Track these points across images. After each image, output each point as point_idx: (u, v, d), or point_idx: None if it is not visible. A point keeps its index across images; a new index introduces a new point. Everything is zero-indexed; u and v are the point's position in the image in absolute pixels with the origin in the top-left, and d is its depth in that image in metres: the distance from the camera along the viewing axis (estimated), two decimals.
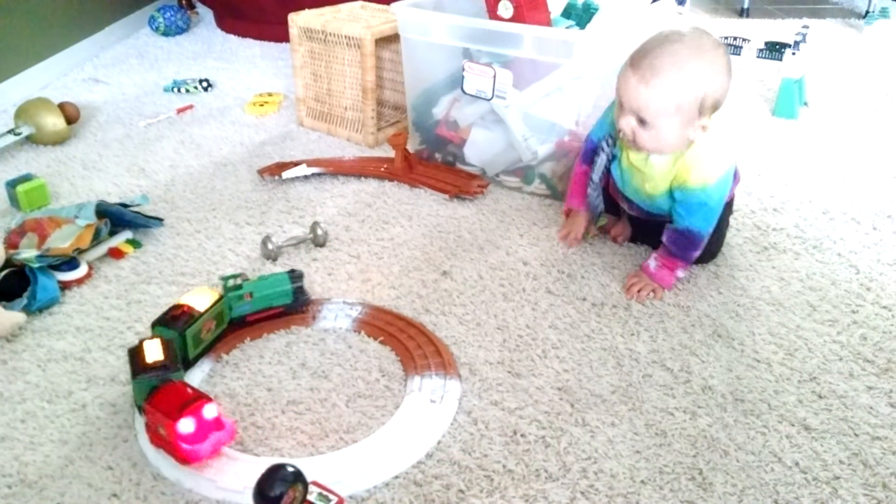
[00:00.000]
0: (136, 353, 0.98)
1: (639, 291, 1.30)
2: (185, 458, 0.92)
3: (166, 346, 0.99)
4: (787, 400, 1.06)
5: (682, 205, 1.27)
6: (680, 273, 1.32)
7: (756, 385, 1.09)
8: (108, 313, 1.26)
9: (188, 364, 1.10)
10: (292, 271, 1.24)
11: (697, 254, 1.31)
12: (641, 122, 1.21)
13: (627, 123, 1.23)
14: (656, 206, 1.34)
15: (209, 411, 0.92)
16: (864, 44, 2.84)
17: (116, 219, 1.44)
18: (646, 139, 1.23)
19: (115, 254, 1.41)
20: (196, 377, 1.10)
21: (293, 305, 1.23)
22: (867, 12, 3.13)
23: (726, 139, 1.30)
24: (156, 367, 0.96)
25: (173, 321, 1.07)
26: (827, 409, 1.04)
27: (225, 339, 1.17)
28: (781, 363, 1.13)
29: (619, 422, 1.02)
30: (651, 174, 1.28)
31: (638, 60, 1.19)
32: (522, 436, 1.00)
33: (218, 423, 0.94)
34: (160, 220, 1.52)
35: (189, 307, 1.10)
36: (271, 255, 1.41)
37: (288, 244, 1.44)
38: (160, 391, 0.94)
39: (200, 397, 0.93)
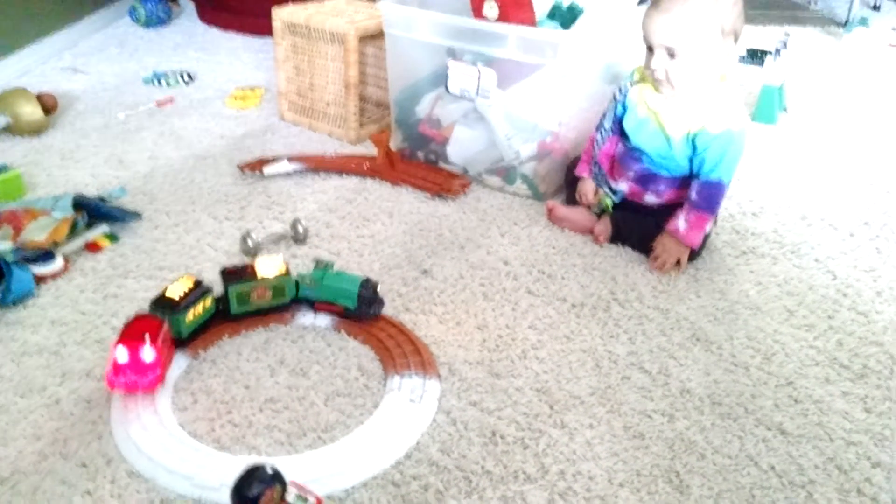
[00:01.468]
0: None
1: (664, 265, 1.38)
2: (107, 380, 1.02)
3: (188, 292, 1.12)
4: (763, 404, 1.07)
5: (706, 154, 1.35)
6: (707, 228, 1.38)
7: (733, 389, 1.10)
8: (84, 307, 1.24)
9: (230, 317, 1.18)
10: (367, 280, 1.19)
11: (720, 206, 1.40)
12: (671, 55, 1.30)
13: (659, 62, 1.32)
14: (668, 156, 1.40)
15: (146, 354, 1.00)
16: (843, 51, 2.87)
17: (94, 212, 1.42)
18: (678, 72, 1.32)
19: (92, 247, 1.39)
20: (172, 373, 1.09)
21: (354, 311, 1.18)
22: (847, 21, 3.16)
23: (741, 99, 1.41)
24: (160, 302, 1.10)
25: (228, 274, 1.16)
26: (803, 413, 1.05)
27: (203, 335, 1.16)
28: (759, 367, 1.14)
29: (597, 424, 1.03)
30: (670, 116, 1.37)
31: (655, 3, 1.31)
32: (501, 437, 1.00)
33: (149, 369, 1.01)
34: (138, 214, 1.50)
35: (251, 268, 1.17)
36: (251, 251, 1.40)
37: (268, 240, 1.43)
38: (142, 320, 1.05)
39: (152, 340, 1.01)
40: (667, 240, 1.38)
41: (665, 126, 1.38)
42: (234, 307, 1.18)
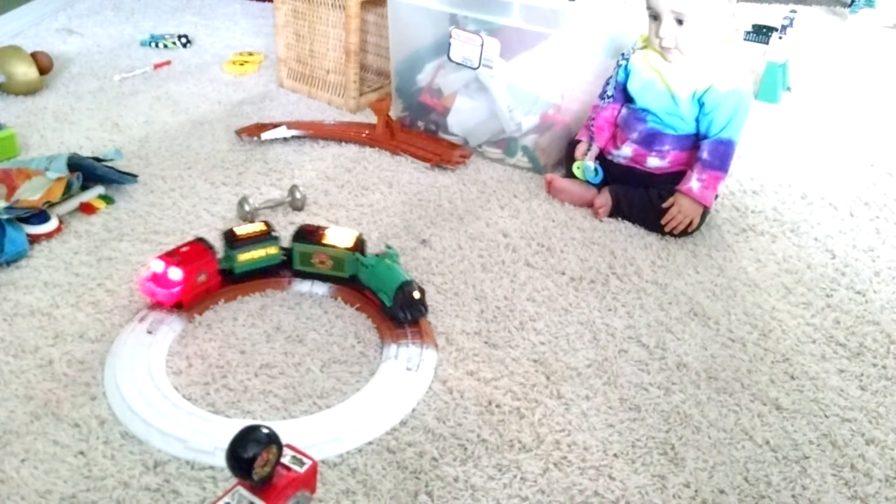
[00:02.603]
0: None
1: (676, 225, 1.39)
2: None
3: (253, 234, 1.17)
4: (759, 379, 1.07)
5: (715, 113, 1.37)
6: (719, 186, 1.41)
7: (730, 364, 1.09)
8: (78, 269, 1.23)
9: (296, 272, 1.20)
10: (408, 283, 1.11)
11: (731, 165, 1.41)
12: (680, 22, 1.33)
13: (668, 30, 1.34)
14: (674, 113, 1.41)
15: (174, 274, 1.09)
16: (848, 32, 2.85)
17: (89, 173, 1.40)
18: (688, 38, 1.34)
19: (87, 209, 1.38)
20: (168, 337, 1.08)
21: (388, 309, 1.12)
22: (852, 1, 3.14)
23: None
24: (226, 234, 1.17)
25: (300, 231, 1.19)
26: (798, 389, 1.05)
27: (198, 300, 1.15)
28: (755, 343, 1.14)
29: (593, 395, 1.02)
30: (675, 76, 1.39)
31: None
32: (497, 406, 0.99)
33: (172, 285, 1.10)
34: (134, 175, 1.48)
35: (322, 233, 1.18)
36: (248, 217, 1.38)
37: (265, 206, 1.42)
38: (195, 244, 1.13)
39: (192, 264, 1.10)
40: (682, 199, 1.38)
41: (671, 84, 1.40)
42: (296, 263, 1.19)
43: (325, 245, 1.17)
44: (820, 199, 1.58)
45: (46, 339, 1.07)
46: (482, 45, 1.56)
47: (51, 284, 1.18)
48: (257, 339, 1.10)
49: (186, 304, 1.12)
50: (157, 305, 1.12)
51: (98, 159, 1.44)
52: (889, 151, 1.84)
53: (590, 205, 1.48)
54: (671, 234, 1.39)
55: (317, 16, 1.88)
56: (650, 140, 1.44)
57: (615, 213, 1.45)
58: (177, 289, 1.10)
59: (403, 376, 1.02)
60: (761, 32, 2.18)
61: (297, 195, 1.43)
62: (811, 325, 1.19)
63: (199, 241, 1.15)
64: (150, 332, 1.07)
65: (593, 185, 1.49)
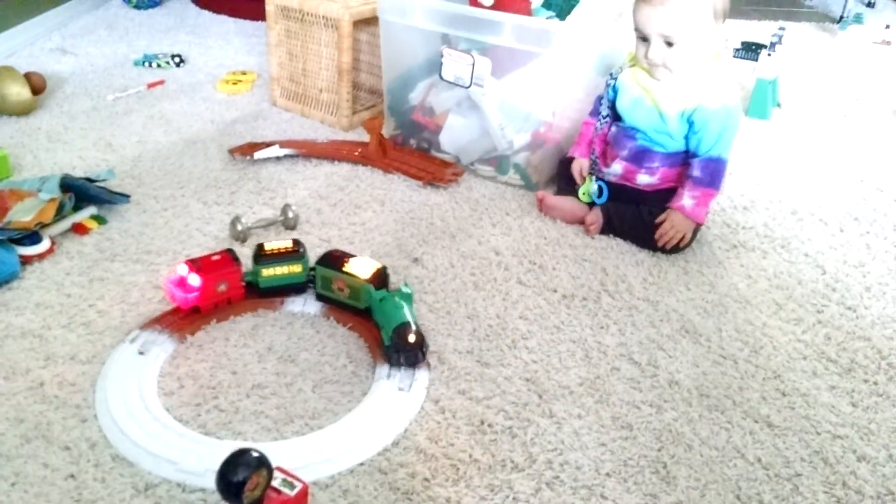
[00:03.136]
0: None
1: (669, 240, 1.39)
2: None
3: (281, 251, 1.19)
4: (751, 396, 1.07)
5: (704, 131, 1.38)
6: (711, 203, 1.42)
7: (721, 381, 1.10)
8: (70, 290, 1.23)
9: (318, 295, 1.21)
10: (405, 325, 1.06)
11: (723, 181, 1.43)
12: (669, 44, 1.34)
13: (657, 52, 1.35)
14: (663, 131, 1.42)
15: (192, 280, 1.14)
16: (837, 48, 2.87)
17: (81, 193, 1.40)
18: (676, 58, 1.36)
19: (79, 229, 1.38)
20: (159, 358, 1.08)
21: (387, 348, 1.08)
22: (842, 17, 3.17)
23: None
24: (256, 248, 1.20)
25: (325, 256, 1.19)
26: (790, 406, 1.05)
27: (190, 320, 1.15)
28: (747, 360, 1.14)
29: (585, 414, 1.02)
30: (664, 94, 1.40)
31: None
32: (489, 426, 0.99)
33: (189, 291, 1.14)
34: (126, 196, 1.49)
35: (346, 260, 1.17)
36: (240, 237, 1.38)
37: (257, 226, 1.42)
38: (224, 255, 1.17)
39: (213, 273, 1.15)
40: (674, 216, 1.39)
41: (659, 102, 1.41)
42: (318, 286, 1.20)
43: (344, 273, 1.16)
44: (810, 215, 1.59)
45: (37, 361, 1.07)
46: (473, 64, 1.57)
47: (42, 306, 1.18)
48: (249, 359, 1.10)
49: (204, 310, 1.16)
50: (177, 309, 1.16)
51: (90, 179, 1.44)
52: (878, 167, 1.85)
53: (581, 222, 1.49)
54: (663, 249, 1.40)
55: (309, 35, 1.89)
56: (640, 157, 1.45)
57: (606, 230, 1.46)
58: (194, 294, 1.14)
59: (395, 396, 1.02)
60: (750, 49, 2.20)
61: (290, 214, 1.43)
62: (802, 342, 1.19)
63: (227, 252, 1.19)
64: (141, 353, 1.07)
65: (597, 204, 1.49)
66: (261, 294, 1.20)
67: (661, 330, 1.20)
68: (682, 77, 1.38)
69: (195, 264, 1.14)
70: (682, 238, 1.39)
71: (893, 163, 1.89)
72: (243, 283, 1.19)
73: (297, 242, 1.21)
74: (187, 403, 1.01)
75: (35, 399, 1.00)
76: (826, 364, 1.14)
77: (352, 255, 1.20)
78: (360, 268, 1.17)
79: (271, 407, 1.01)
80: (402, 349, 1.06)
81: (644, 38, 1.38)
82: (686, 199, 1.39)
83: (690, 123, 1.39)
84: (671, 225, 1.39)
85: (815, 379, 1.11)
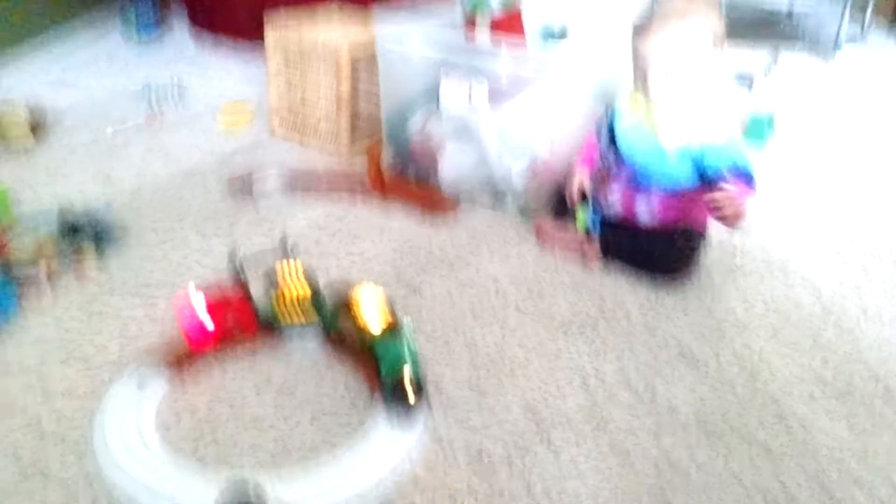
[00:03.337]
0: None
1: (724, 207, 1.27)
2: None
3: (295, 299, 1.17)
4: (748, 422, 1.07)
5: (719, 160, 1.32)
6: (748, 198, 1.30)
7: (719, 407, 1.10)
8: (68, 325, 1.23)
9: (327, 335, 1.19)
10: (399, 376, 1.04)
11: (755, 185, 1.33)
12: (668, 74, 1.31)
13: (656, 82, 1.33)
14: (661, 162, 1.38)
15: (203, 314, 1.14)
16: (831, 75, 2.89)
17: (79, 228, 1.41)
18: (676, 88, 1.33)
19: (77, 264, 1.38)
20: (157, 392, 1.08)
21: (383, 392, 1.06)
22: (834, 45, 3.19)
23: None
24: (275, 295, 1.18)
25: (338, 299, 1.17)
26: (787, 431, 1.05)
27: (188, 353, 1.15)
28: (744, 385, 1.14)
29: (583, 442, 1.02)
30: (663, 122, 1.37)
31: (647, 24, 1.32)
32: (487, 455, 0.99)
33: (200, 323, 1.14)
34: (124, 229, 1.49)
35: (356, 302, 1.15)
36: (238, 269, 1.39)
37: (256, 257, 1.43)
38: (239, 290, 1.20)
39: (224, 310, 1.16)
40: (728, 188, 1.28)
41: (658, 131, 1.38)
42: (331, 324, 1.18)
43: (354, 318, 1.14)
44: (807, 239, 1.59)
45: (35, 398, 1.07)
46: (471, 93, 1.58)
47: (40, 341, 1.19)
48: (247, 392, 1.10)
49: (214, 344, 1.15)
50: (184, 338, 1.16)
51: (88, 215, 1.45)
52: (874, 190, 1.86)
53: (579, 250, 1.49)
54: (663, 272, 1.39)
55: (308, 65, 1.91)
56: (637, 183, 1.45)
57: (605, 253, 1.46)
58: (205, 333, 1.14)
59: (393, 427, 1.02)
60: (744, 78, 2.22)
61: (288, 245, 1.44)
62: (799, 366, 1.19)
63: (242, 288, 1.20)
64: (139, 387, 1.08)
65: (594, 232, 1.49)
66: (273, 332, 1.19)
67: (659, 356, 1.20)
68: (682, 106, 1.36)
69: (211, 296, 1.15)
70: (735, 213, 1.27)
71: (888, 187, 1.89)
72: (256, 325, 1.18)
73: (315, 288, 1.19)
74: (185, 437, 1.01)
75: (33, 435, 1.00)
76: (823, 388, 1.14)
77: (355, 284, 1.19)
78: (371, 317, 1.13)
79: (269, 440, 1.01)
80: (398, 396, 1.03)
81: (643, 70, 1.35)
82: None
83: (701, 159, 1.34)
84: (726, 194, 1.27)
85: (812, 403, 1.11)
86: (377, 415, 1.04)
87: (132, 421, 1.01)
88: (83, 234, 1.43)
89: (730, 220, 1.29)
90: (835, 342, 1.25)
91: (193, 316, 1.14)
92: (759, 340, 1.25)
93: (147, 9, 2.97)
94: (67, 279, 1.35)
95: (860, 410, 1.10)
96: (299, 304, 1.18)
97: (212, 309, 1.14)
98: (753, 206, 1.31)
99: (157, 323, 1.24)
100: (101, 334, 1.21)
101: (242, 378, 1.13)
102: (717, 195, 1.27)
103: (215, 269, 1.40)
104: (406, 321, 1.15)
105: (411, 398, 1.03)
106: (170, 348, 1.16)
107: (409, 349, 1.09)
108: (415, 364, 1.06)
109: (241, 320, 1.17)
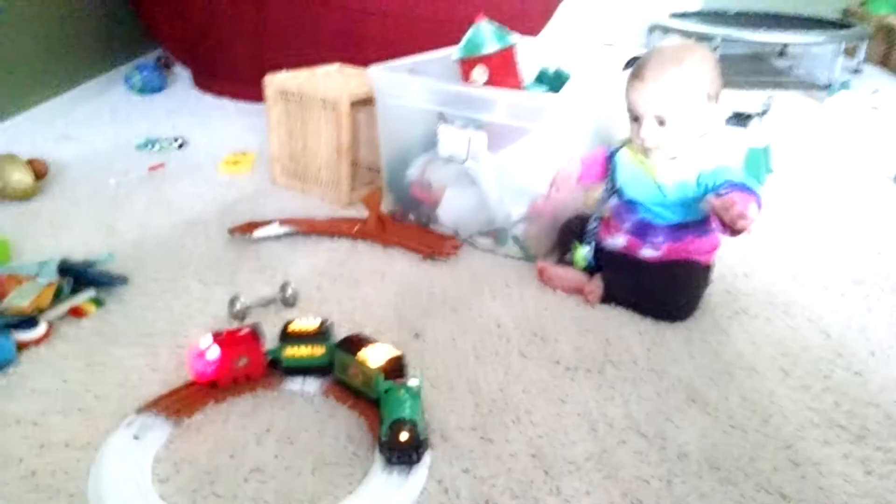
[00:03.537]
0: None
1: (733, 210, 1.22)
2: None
3: (304, 332, 1.18)
4: (763, 467, 1.04)
5: (718, 179, 1.31)
6: (756, 210, 1.24)
7: (732, 452, 1.07)
8: (67, 375, 1.21)
9: (335, 379, 1.18)
10: (399, 422, 1.01)
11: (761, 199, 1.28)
12: (661, 122, 1.32)
13: (649, 131, 1.33)
14: (663, 203, 1.40)
15: (211, 353, 1.14)
16: (826, 114, 2.92)
17: (79, 276, 1.40)
18: (669, 137, 1.33)
19: (77, 312, 1.37)
20: (155, 442, 1.06)
21: (381, 443, 1.02)
22: (829, 84, 3.24)
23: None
24: (284, 328, 1.20)
25: (344, 340, 1.17)
26: (803, 477, 1.03)
27: (187, 402, 1.13)
28: (756, 430, 1.12)
29: (593, 490, 0.99)
30: (659, 167, 1.38)
31: (641, 71, 1.32)
32: None
33: (207, 364, 1.15)
34: (124, 278, 1.48)
35: (365, 344, 1.15)
36: (238, 316, 1.38)
37: (256, 304, 1.42)
38: (250, 331, 1.19)
39: (234, 348, 1.15)
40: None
41: (656, 175, 1.39)
42: (336, 371, 1.17)
43: (357, 360, 1.13)
44: (811, 280, 1.58)
45: (32, 449, 1.04)
46: (470, 140, 1.59)
47: (38, 392, 1.17)
48: (247, 441, 1.08)
49: (222, 384, 1.16)
50: (174, 391, 1.16)
51: (89, 263, 1.45)
52: (874, 229, 1.86)
53: (581, 291, 1.48)
54: (666, 316, 1.39)
55: (308, 115, 1.93)
56: (643, 231, 1.45)
57: (607, 298, 1.45)
58: (211, 368, 1.15)
59: (397, 477, 0.99)
60: (741, 118, 2.24)
61: (289, 292, 1.43)
62: (812, 409, 1.17)
63: (252, 328, 1.19)
64: (136, 438, 1.05)
65: (592, 269, 1.49)
66: (284, 373, 1.19)
67: (668, 400, 1.18)
68: (676, 154, 1.37)
69: (217, 337, 1.15)
70: (737, 216, 1.21)
71: (889, 226, 1.89)
72: (266, 361, 1.19)
73: (323, 324, 1.20)
74: (183, 490, 0.99)
75: (27, 488, 0.97)
76: (837, 432, 1.12)
77: (372, 341, 1.16)
78: (374, 355, 1.13)
79: (270, 491, 0.99)
80: (396, 448, 1.00)
81: (636, 118, 1.36)
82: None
83: (699, 186, 1.35)
84: (724, 199, 1.23)
85: (826, 447, 1.08)
86: (380, 466, 1.01)
87: (129, 473, 0.99)
88: (84, 284, 1.42)
89: (733, 224, 1.23)
90: (846, 385, 1.23)
91: (198, 350, 1.15)
92: (769, 383, 1.23)
93: (150, 71, 3.02)
94: (68, 329, 1.33)
95: (877, 455, 1.07)
96: (305, 338, 1.18)
97: (219, 340, 1.15)
98: (758, 217, 1.25)
99: (158, 372, 1.22)
100: (100, 384, 1.19)
101: (243, 427, 1.10)
102: (714, 200, 1.25)
103: (217, 317, 1.39)
104: (417, 378, 1.10)
105: (411, 458, 1.00)
106: (170, 397, 1.14)
107: (414, 407, 1.05)
108: (418, 423, 1.02)
109: (250, 354, 1.17)
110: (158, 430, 1.08)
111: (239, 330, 1.19)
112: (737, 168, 1.37)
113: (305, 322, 1.21)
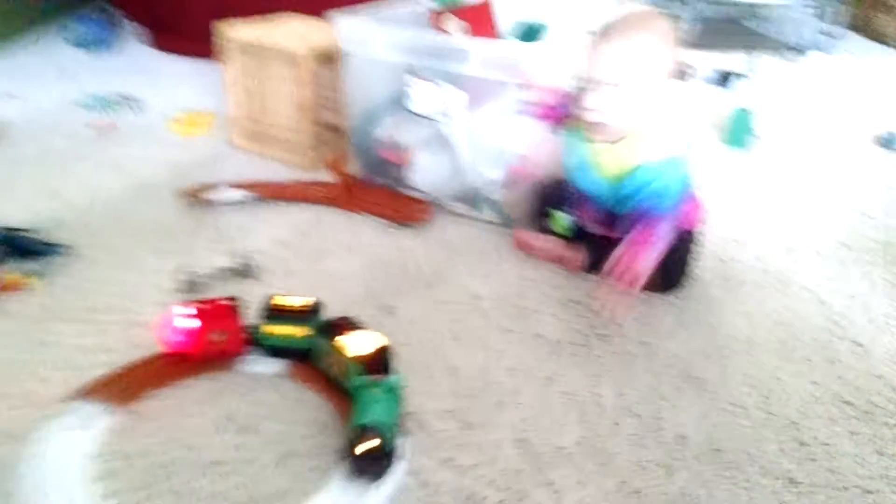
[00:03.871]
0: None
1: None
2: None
3: (293, 309, 1.09)
4: (767, 449, 0.97)
5: (647, 187, 1.22)
6: (665, 234, 1.19)
7: (733, 433, 1.00)
8: (7, 354, 1.09)
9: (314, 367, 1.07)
10: (365, 430, 0.89)
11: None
12: (612, 90, 1.21)
13: (599, 99, 1.23)
14: (608, 196, 1.31)
15: (186, 322, 1.05)
16: (803, 76, 2.86)
17: (17, 246, 1.28)
18: (618, 111, 1.23)
19: (11, 287, 1.24)
20: (103, 432, 0.95)
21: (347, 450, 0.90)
22: (803, 46, 3.19)
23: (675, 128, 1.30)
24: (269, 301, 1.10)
25: (327, 324, 1.07)
26: (811, 458, 0.96)
27: (139, 387, 1.03)
28: (758, 408, 1.04)
29: (586, 480, 0.91)
30: (604, 157, 1.28)
31: (609, 32, 1.23)
32: (479, 500, 0.88)
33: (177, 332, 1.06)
34: (66, 247, 1.36)
35: (347, 330, 1.04)
36: (188, 288, 1.26)
37: (214, 277, 1.30)
38: (230, 302, 1.09)
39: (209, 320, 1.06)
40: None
41: (601, 165, 1.29)
42: (312, 356, 1.07)
43: (336, 347, 1.02)
44: (801, 245, 1.51)
45: None
46: (443, 95, 1.48)
47: None
48: (206, 430, 0.98)
49: (193, 359, 1.07)
50: (122, 374, 1.05)
51: (26, 231, 1.32)
52: (862, 192, 1.79)
53: (562, 259, 1.39)
54: (655, 288, 1.30)
55: (267, 72, 1.79)
56: (610, 219, 1.34)
57: (590, 267, 1.36)
58: (185, 339, 1.06)
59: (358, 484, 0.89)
60: (723, 78, 2.15)
61: (250, 263, 1.32)
62: (815, 384, 1.10)
63: (231, 300, 1.10)
64: (82, 427, 0.95)
65: (570, 238, 1.40)
66: (264, 352, 1.08)
67: (662, 378, 1.10)
68: (620, 135, 1.26)
69: (190, 308, 1.06)
70: (633, 279, 1.16)
71: (874, 187, 1.83)
72: (244, 337, 1.08)
73: (316, 303, 1.10)
74: (135, 487, 0.89)
75: None
76: (842, 408, 1.05)
77: (358, 327, 1.05)
78: (355, 343, 1.01)
79: (231, 487, 0.89)
80: (360, 456, 0.88)
81: (586, 85, 1.25)
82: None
83: (631, 180, 1.25)
84: (618, 266, 1.16)
85: (833, 426, 1.02)
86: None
87: (71, 468, 0.88)
88: (26, 254, 1.30)
89: (627, 286, 1.16)
90: (848, 357, 1.17)
91: (174, 316, 1.07)
92: (769, 358, 1.16)
93: (93, 24, 2.82)
94: (7, 304, 1.21)
95: (886, 431, 1.01)
96: (288, 316, 1.08)
97: (197, 310, 1.06)
98: (657, 259, 1.19)
99: (108, 353, 1.10)
100: (44, 365, 1.07)
101: (201, 414, 1.00)
102: (607, 271, 1.17)
103: (172, 292, 1.27)
104: (397, 376, 1.00)
105: (372, 470, 0.88)
106: (120, 379, 1.03)
107: (388, 409, 0.94)
108: (387, 430, 0.90)
109: (228, 328, 1.07)
110: (107, 418, 0.97)
111: (220, 299, 1.09)
112: (680, 161, 1.25)
113: (292, 298, 1.10)
